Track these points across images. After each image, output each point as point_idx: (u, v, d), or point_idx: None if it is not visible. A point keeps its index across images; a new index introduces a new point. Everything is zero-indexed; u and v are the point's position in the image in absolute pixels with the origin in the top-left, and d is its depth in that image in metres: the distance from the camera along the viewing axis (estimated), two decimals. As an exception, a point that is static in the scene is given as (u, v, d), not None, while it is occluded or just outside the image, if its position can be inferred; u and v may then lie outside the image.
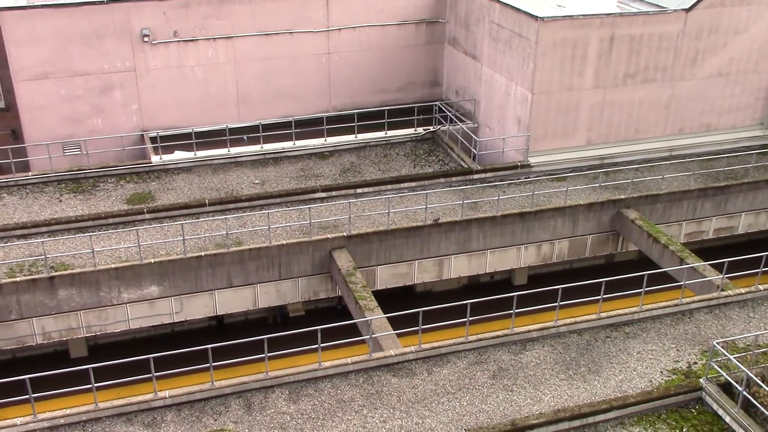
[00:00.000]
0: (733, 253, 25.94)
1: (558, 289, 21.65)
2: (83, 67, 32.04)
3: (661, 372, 20.35)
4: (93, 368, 17.86)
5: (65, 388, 18.93)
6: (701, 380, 19.63)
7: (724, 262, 23.92)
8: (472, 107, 35.33)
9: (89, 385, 17.97)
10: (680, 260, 25.92)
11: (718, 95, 33.19)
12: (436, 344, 20.78)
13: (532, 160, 31.24)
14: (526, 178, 30.94)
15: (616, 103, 31.66)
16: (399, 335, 21.88)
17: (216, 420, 18.39)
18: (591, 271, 33.28)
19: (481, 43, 33.72)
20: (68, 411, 18.17)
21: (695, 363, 20.70)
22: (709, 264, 25.44)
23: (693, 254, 26.46)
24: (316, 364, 19.80)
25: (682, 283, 23.82)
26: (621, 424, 18.80)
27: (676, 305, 22.85)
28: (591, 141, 32.16)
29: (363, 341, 22.57)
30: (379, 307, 23.28)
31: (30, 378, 17.53)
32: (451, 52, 36.93)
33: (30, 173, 30.04)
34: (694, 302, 23.07)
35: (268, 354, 19.33)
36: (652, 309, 22.59)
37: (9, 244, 25.58)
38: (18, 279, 23.47)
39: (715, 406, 19.12)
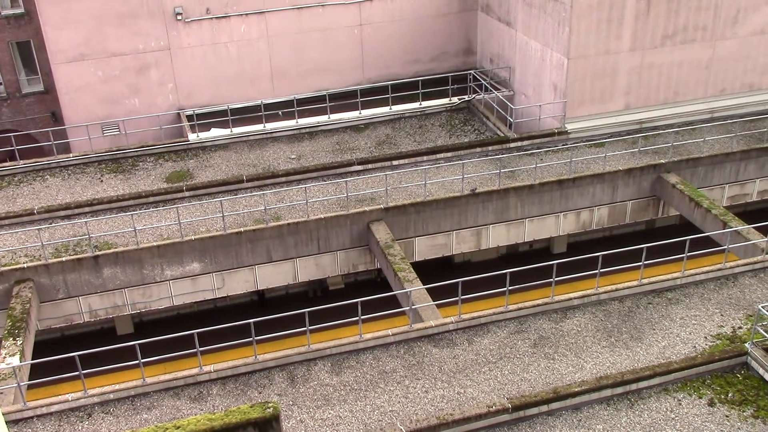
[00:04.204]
0: (777, 215, 25.49)
1: (598, 256, 21.46)
2: (119, 48, 32.35)
3: (705, 337, 20.13)
4: (139, 344, 18.24)
5: (113, 364, 19.42)
6: (746, 345, 19.37)
7: (769, 224, 23.52)
8: (507, 75, 34.92)
9: (136, 361, 18.40)
10: (723, 224, 25.49)
11: (761, 54, 32.27)
12: (475, 314, 20.79)
13: (569, 127, 30.85)
14: (563, 145, 30.58)
15: (654, 66, 31.02)
16: (439, 306, 21.94)
17: (260, 393, 18.69)
18: (631, 237, 32.97)
19: (515, 9, 33.21)
20: (117, 386, 18.64)
21: (740, 328, 20.43)
22: (753, 227, 24.99)
23: (736, 217, 25.98)
24: (357, 336, 19.98)
25: (726, 247, 23.42)
26: (665, 391, 18.68)
27: (719, 269, 22.52)
28: (629, 105, 31.60)
29: (403, 313, 22.68)
30: (418, 279, 23.34)
31: (79, 355, 17.97)
32: (484, 19, 36.45)
33: (71, 154, 30.55)
34: (738, 266, 22.71)
35: (310, 327, 19.53)
36: (695, 274, 22.30)
37: (54, 224, 26.12)
38: (64, 259, 23.99)
39: (761, 371, 18.88)
